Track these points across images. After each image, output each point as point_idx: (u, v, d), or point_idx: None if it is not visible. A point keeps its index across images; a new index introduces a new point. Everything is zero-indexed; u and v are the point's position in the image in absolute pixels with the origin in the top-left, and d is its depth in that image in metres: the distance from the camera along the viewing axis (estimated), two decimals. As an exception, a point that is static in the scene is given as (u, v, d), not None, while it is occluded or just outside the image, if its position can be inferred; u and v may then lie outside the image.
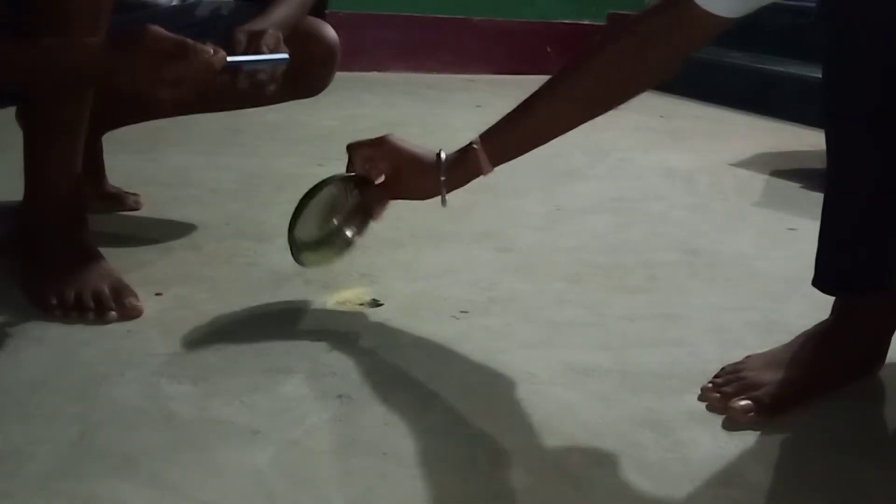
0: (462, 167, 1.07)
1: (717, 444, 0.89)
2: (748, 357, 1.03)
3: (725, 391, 0.96)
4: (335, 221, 1.13)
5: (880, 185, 0.98)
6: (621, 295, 1.27)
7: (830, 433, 0.94)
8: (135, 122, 1.49)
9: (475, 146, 1.06)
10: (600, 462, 0.85)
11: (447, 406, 0.93)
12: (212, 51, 0.97)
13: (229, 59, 1.00)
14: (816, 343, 1.03)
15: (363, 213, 1.13)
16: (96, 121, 1.21)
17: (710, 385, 0.98)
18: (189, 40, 0.95)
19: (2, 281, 1.15)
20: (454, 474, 0.81)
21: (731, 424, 0.93)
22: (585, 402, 0.96)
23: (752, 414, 0.94)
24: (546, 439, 0.88)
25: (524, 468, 0.82)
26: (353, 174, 1.12)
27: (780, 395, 0.96)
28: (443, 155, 1.08)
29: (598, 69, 1.02)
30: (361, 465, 0.81)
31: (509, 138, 1.07)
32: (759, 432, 0.92)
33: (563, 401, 0.96)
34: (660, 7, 0.99)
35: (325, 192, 1.12)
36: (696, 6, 0.93)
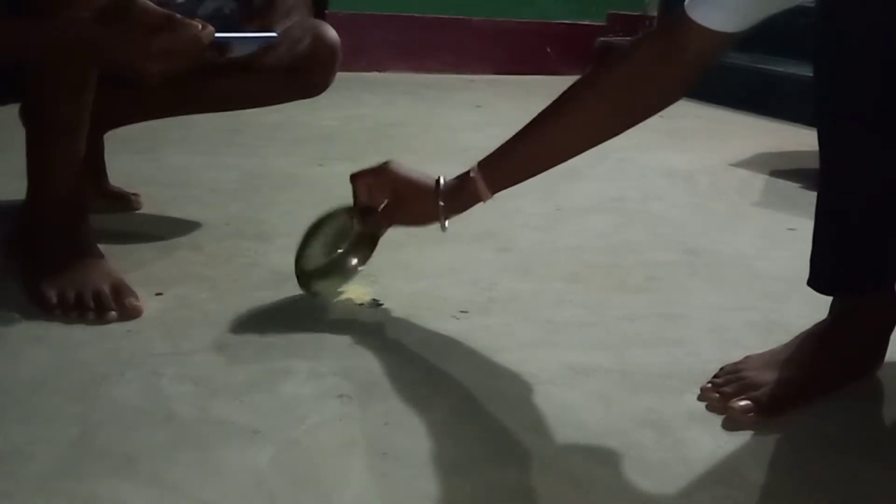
0: (461, 195, 1.08)
1: (717, 444, 0.89)
2: (747, 357, 1.03)
3: (725, 391, 0.96)
4: (340, 250, 1.16)
5: (880, 184, 0.98)
6: (621, 295, 1.27)
7: (830, 433, 0.94)
8: (135, 121, 1.49)
9: (472, 174, 1.07)
10: (600, 462, 0.85)
11: (447, 406, 0.93)
12: (200, 25, 0.97)
13: (218, 34, 1.01)
14: (815, 343, 1.03)
15: (368, 242, 1.16)
16: (97, 120, 1.22)
17: (710, 385, 0.99)
18: (176, 14, 0.96)
19: (2, 281, 1.15)
20: (454, 474, 0.81)
21: (730, 424, 0.93)
22: (585, 402, 0.96)
23: (752, 414, 0.94)
24: (546, 439, 0.88)
25: (524, 468, 0.82)
26: (356, 205, 1.14)
27: (779, 395, 0.96)
28: (442, 181, 1.09)
29: (600, 95, 1.01)
30: (361, 465, 0.81)
31: (507, 166, 1.06)
32: (758, 432, 0.92)
33: (563, 401, 0.96)
34: (661, 27, 0.98)
35: (332, 222, 1.16)
36: (696, 24, 0.93)
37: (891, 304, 1.04)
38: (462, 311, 1.17)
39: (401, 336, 1.09)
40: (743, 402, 0.94)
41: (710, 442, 0.90)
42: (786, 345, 1.04)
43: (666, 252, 1.47)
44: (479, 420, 0.91)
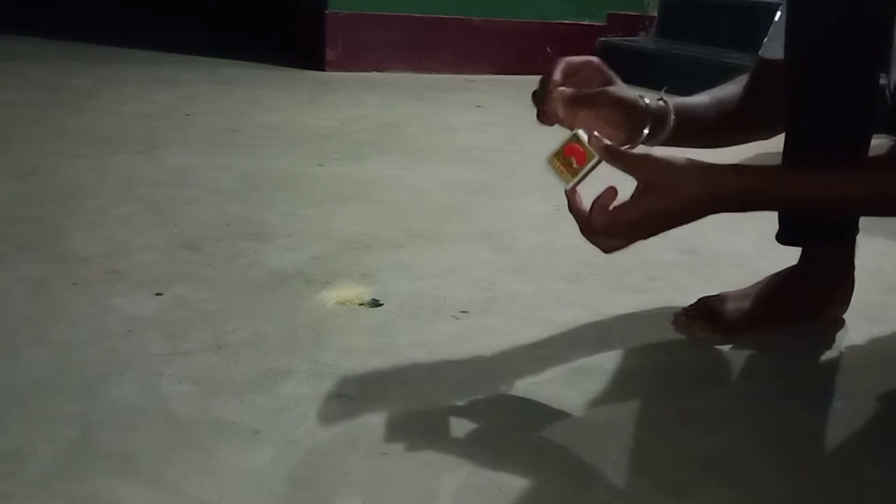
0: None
1: (717, 444, 0.89)
2: (721, 292, 1.17)
3: (692, 315, 1.14)
4: None
5: (838, 139, 1.09)
6: (621, 295, 1.27)
7: (831, 434, 0.94)
8: None
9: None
10: (600, 462, 0.85)
11: (447, 406, 0.93)
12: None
13: None
14: (774, 283, 1.18)
15: None
16: None
17: (682, 311, 1.15)
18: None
19: (2, 281, 1.15)
20: (454, 474, 0.81)
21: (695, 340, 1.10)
22: (585, 402, 0.96)
23: (708, 333, 1.11)
24: (546, 439, 0.88)
25: (524, 468, 0.82)
26: None
27: (733, 321, 1.12)
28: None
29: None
30: (361, 465, 0.81)
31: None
32: (760, 432, 0.92)
33: (563, 401, 0.96)
34: None
35: None
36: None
37: (844, 258, 1.17)
38: (462, 311, 1.17)
39: (401, 336, 1.09)
40: (702, 322, 1.12)
41: (711, 442, 0.90)
42: (754, 283, 1.19)
43: (665, 252, 1.47)
44: (479, 420, 0.91)
